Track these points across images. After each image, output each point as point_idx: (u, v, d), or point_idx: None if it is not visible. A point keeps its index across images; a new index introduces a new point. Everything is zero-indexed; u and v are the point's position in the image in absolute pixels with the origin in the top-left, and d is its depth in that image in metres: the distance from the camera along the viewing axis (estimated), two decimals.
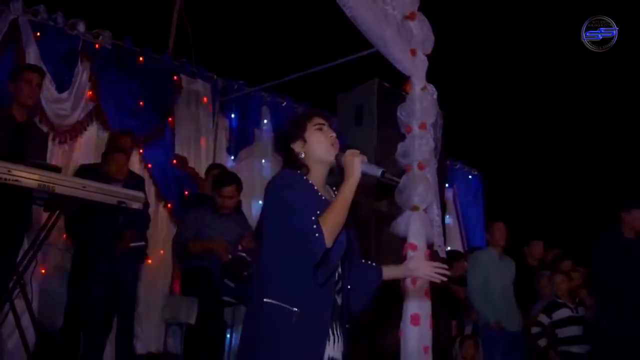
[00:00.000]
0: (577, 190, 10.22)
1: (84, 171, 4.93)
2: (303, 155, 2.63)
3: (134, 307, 5.10)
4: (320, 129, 2.65)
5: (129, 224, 4.91)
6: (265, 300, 2.43)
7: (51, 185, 3.82)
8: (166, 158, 6.28)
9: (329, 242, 2.37)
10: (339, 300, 2.58)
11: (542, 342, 6.37)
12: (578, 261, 7.28)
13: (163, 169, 6.23)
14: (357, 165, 2.52)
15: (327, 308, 2.50)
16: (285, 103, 7.36)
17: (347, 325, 2.62)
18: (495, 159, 10.08)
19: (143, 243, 5.15)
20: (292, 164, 2.65)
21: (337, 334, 2.56)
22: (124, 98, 5.99)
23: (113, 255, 4.80)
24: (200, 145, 6.67)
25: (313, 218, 2.40)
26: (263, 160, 7.05)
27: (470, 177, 10.01)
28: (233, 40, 8.15)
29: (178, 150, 6.44)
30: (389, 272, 2.81)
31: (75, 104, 5.65)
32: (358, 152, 2.60)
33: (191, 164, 6.49)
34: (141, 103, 6.07)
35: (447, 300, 6.34)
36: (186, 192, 6.30)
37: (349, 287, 2.63)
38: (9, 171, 3.66)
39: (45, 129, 5.27)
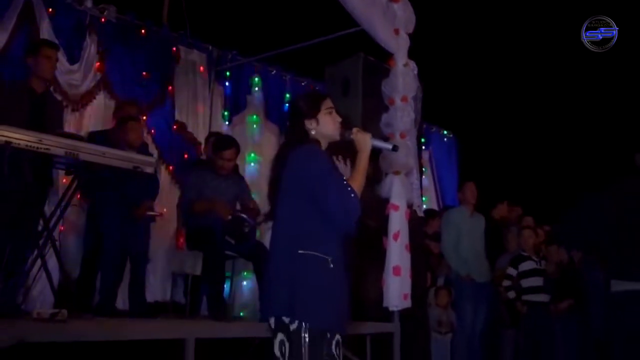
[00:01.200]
0: (542, 153, 10.54)
1: (93, 137, 5.29)
2: (314, 132, 3.03)
3: (146, 259, 5.53)
4: (330, 113, 3.06)
5: (144, 191, 5.38)
6: (300, 251, 2.83)
7: (76, 152, 4.28)
8: (167, 124, 6.72)
9: (359, 200, 2.88)
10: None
11: (512, 294, 6.88)
12: (539, 219, 7.82)
13: (164, 134, 6.67)
14: (368, 141, 3.03)
15: (344, 257, 2.97)
16: (274, 71, 7.78)
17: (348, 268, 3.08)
18: (468, 122, 10.37)
19: (159, 213, 5.67)
20: (303, 138, 3.03)
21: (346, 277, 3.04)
22: (128, 69, 6.40)
23: (128, 217, 5.26)
24: (197, 112, 7.10)
25: (345, 182, 2.89)
26: (254, 125, 7.48)
27: (445, 139, 10.44)
28: (227, 12, 8.40)
29: (177, 116, 6.86)
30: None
31: (85, 75, 6.07)
32: (361, 130, 3.08)
33: (189, 129, 6.94)
34: (144, 73, 6.49)
35: (422, 254, 6.66)
36: (185, 155, 6.77)
37: None
38: (40, 140, 4.12)
39: (59, 97, 5.67)
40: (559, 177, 9.11)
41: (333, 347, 2.86)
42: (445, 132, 10.45)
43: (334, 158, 3.26)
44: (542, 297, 6.79)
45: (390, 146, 3.26)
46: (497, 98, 10.32)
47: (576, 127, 10.09)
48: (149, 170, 4.76)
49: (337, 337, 2.89)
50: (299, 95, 3.41)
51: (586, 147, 9.87)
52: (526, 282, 6.88)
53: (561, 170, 9.71)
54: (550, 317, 6.67)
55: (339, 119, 3.09)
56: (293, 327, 2.79)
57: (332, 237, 2.91)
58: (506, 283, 6.98)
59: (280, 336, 2.83)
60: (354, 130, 3.07)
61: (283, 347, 2.82)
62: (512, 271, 6.94)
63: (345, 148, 3.17)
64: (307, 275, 2.82)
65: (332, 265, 2.85)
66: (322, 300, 2.81)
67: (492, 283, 7.14)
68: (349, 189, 2.86)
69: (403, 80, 5.58)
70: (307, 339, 2.76)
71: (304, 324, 2.78)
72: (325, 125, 3.04)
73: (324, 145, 3.07)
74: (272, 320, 2.88)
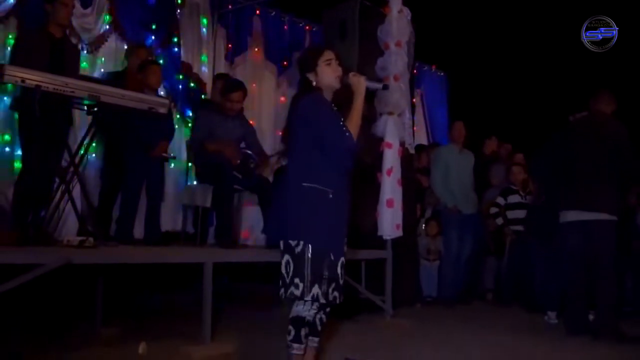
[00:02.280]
0: (532, 90, 10.69)
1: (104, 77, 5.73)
2: (315, 83, 3.46)
3: (162, 195, 5.92)
4: (329, 64, 3.45)
5: (160, 132, 5.76)
6: (304, 184, 3.30)
7: (98, 95, 4.66)
8: (174, 65, 7.02)
9: (354, 139, 3.33)
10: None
11: (499, 221, 7.41)
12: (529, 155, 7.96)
13: (172, 76, 6.99)
14: (362, 83, 3.44)
15: (346, 191, 3.44)
16: (274, 13, 8.04)
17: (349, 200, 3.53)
18: (460, 60, 10.49)
19: (173, 156, 6.08)
20: (308, 87, 3.47)
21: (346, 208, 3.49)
22: (137, 12, 6.67)
23: (145, 154, 5.67)
24: (202, 53, 7.39)
25: (341, 124, 3.34)
26: (255, 66, 7.81)
27: (436, 77, 10.69)
28: None
29: (184, 57, 7.16)
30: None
31: (97, 18, 6.36)
32: (358, 73, 3.49)
33: (195, 70, 7.25)
34: (152, 17, 6.77)
35: (413, 187, 7.07)
36: (191, 94, 7.14)
37: None
38: (66, 84, 4.50)
39: (74, 40, 5.99)
40: (548, 114, 9.31)
41: (338, 268, 3.37)
42: (437, 70, 10.69)
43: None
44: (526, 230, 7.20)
45: (381, 86, 3.76)
46: (488, 35, 10.37)
47: (566, 65, 10.23)
48: (163, 110, 5.11)
49: (342, 260, 3.39)
50: (302, 52, 3.82)
51: (575, 86, 9.98)
52: (511, 214, 7.40)
53: (550, 107, 9.86)
54: (530, 246, 7.06)
55: (339, 69, 3.47)
56: (298, 249, 3.28)
57: (332, 172, 3.36)
58: (493, 210, 7.47)
59: (286, 257, 3.33)
60: (350, 74, 3.47)
61: (288, 266, 3.32)
62: (501, 200, 7.43)
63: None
64: (310, 204, 3.29)
65: (331, 196, 3.32)
66: (322, 226, 3.30)
67: (479, 214, 7.59)
68: (345, 129, 3.31)
69: (397, 26, 5.89)
70: (309, 258, 3.27)
71: (307, 245, 3.27)
72: (324, 77, 3.45)
73: (326, 93, 3.48)
74: (281, 244, 3.37)
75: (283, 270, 3.33)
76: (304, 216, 3.29)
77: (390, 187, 5.77)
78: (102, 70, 6.37)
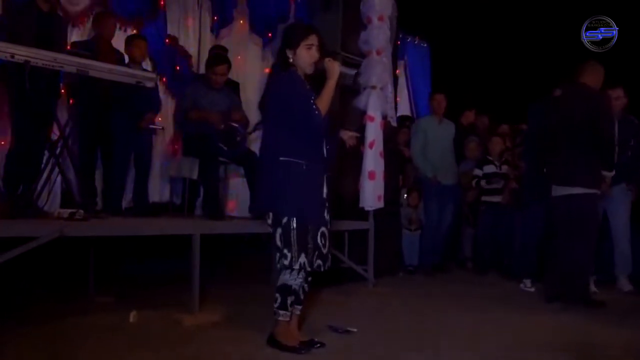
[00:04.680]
0: (515, 63, 10.59)
1: (75, 46, 5.70)
2: (291, 60, 3.66)
3: (149, 166, 6.11)
4: (309, 49, 3.63)
5: (147, 104, 5.88)
6: (280, 158, 3.51)
7: (86, 70, 4.74)
8: (160, 38, 7.06)
9: (323, 114, 3.54)
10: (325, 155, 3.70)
11: (484, 184, 7.49)
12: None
13: (158, 48, 7.01)
14: (337, 69, 3.67)
15: (320, 161, 3.63)
16: None
17: (328, 174, 3.74)
18: (443, 30, 10.39)
19: (161, 127, 6.21)
20: (283, 63, 3.66)
21: (324, 180, 3.69)
22: None
23: (134, 126, 5.80)
24: (188, 25, 7.41)
25: (312, 101, 3.53)
26: (240, 38, 7.83)
27: (419, 49, 10.75)
28: None
29: (169, 30, 7.19)
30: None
31: None
32: (333, 59, 3.72)
33: (181, 42, 7.29)
34: None
35: (395, 158, 7.27)
36: (177, 68, 7.19)
37: (328, 147, 3.71)
38: (55, 59, 4.58)
39: (60, 14, 6.02)
40: (533, 85, 9.39)
41: (318, 238, 3.58)
42: (420, 41, 10.73)
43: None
44: (498, 198, 7.44)
45: (354, 72, 3.95)
46: (474, 6, 10.22)
47: (550, 39, 10.15)
48: (150, 84, 5.22)
49: (322, 229, 3.61)
50: (290, 25, 4.00)
51: (559, 59, 9.72)
52: (487, 184, 7.53)
53: (535, 78, 9.87)
54: (504, 216, 7.30)
55: (316, 56, 3.65)
56: (284, 221, 3.53)
57: (304, 144, 3.57)
58: (474, 182, 7.62)
59: (279, 230, 3.55)
60: (326, 60, 3.68)
61: (282, 239, 3.55)
62: (478, 172, 7.58)
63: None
64: (289, 177, 3.52)
65: (305, 167, 3.54)
66: (302, 199, 3.53)
67: (459, 185, 7.72)
68: (314, 107, 3.53)
69: (380, 0, 6.00)
70: (294, 228, 3.51)
71: (292, 217, 3.51)
72: (300, 59, 3.66)
73: (302, 72, 3.68)
74: (269, 217, 3.58)
75: (278, 242, 3.57)
76: (284, 190, 3.51)
77: (373, 160, 5.93)
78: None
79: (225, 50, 6.87)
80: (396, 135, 7.51)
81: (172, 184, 6.57)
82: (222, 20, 7.72)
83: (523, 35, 10.38)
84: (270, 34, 8.03)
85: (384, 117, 6.13)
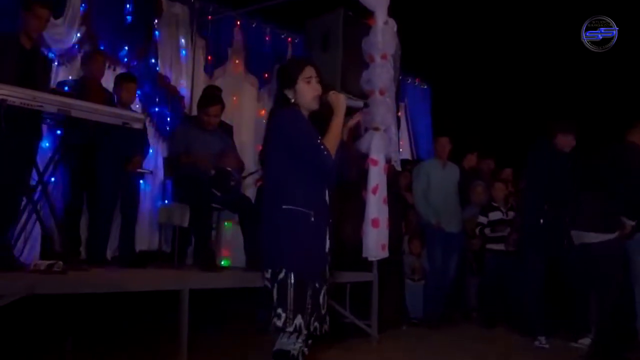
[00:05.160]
0: (514, 106, 10.61)
1: (60, 86, 5.49)
2: (293, 100, 3.27)
3: (136, 213, 5.75)
4: (309, 82, 3.26)
5: (134, 147, 5.57)
6: (284, 207, 3.10)
7: (68, 110, 4.39)
8: (151, 77, 6.78)
9: (332, 156, 3.11)
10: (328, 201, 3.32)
11: (488, 232, 7.21)
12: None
13: (148, 88, 6.74)
14: (342, 102, 3.26)
15: (325, 210, 3.25)
16: (255, 24, 7.82)
17: (330, 221, 3.33)
18: (444, 72, 10.33)
19: (150, 171, 5.90)
20: (285, 103, 3.28)
21: (327, 231, 3.28)
22: (112, 22, 6.41)
23: (120, 170, 5.47)
24: (180, 65, 7.16)
25: (319, 141, 3.13)
26: (235, 78, 7.59)
27: (420, 90, 10.54)
28: None
29: (161, 69, 6.91)
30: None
31: (70, 29, 6.06)
32: (337, 92, 3.31)
33: (172, 82, 7.01)
34: (128, 26, 6.53)
35: (398, 203, 6.91)
36: (168, 108, 6.91)
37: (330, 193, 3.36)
38: (34, 98, 4.25)
39: (45, 52, 5.72)
40: (534, 129, 9.30)
41: (321, 297, 3.17)
42: (420, 83, 10.55)
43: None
44: (504, 246, 7.07)
45: (362, 104, 3.59)
46: (473, 48, 10.32)
47: (551, 82, 10.24)
48: (137, 126, 4.88)
49: (325, 288, 3.20)
50: (281, 65, 3.60)
51: (561, 103, 10.02)
52: (492, 231, 7.19)
53: (536, 122, 9.82)
54: (511, 265, 6.91)
55: (318, 88, 3.27)
56: (281, 276, 3.07)
57: (311, 191, 3.17)
58: (478, 229, 7.28)
59: (276, 287, 3.10)
60: (330, 92, 3.28)
61: (277, 295, 3.09)
62: (483, 219, 7.24)
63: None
64: (291, 228, 3.10)
65: (313, 219, 3.12)
66: (304, 252, 3.11)
67: (464, 233, 7.39)
68: (322, 147, 3.10)
69: (383, 38, 5.71)
70: (292, 286, 3.06)
71: (289, 273, 3.07)
72: (302, 95, 3.26)
73: (305, 110, 3.28)
74: (268, 272, 3.14)
75: (274, 300, 3.12)
76: (285, 242, 3.10)
77: (376, 206, 5.58)
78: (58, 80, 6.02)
79: (219, 90, 6.59)
80: (399, 179, 7.19)
81: (161, 231, 6.25)
82: (216, 59, 7.50)
83: (524, 75, 10.37)
84: (266, 75, 7.87)
85: (388, 161, 5.80)
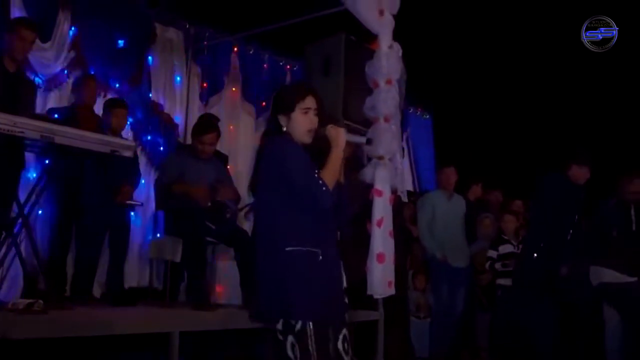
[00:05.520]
0: (520, 135, 10.48)
1: (50, 113, 5.25)
2: (285, 128, 2.94)
3: (126, 247, 5.48)
4: (306, 113, 2.94)
5: (124, 176, 5.30)
6: (287, 249, 2.77)
7: (51, 136, 4.08)
8: (143, 104, 6.53)
9: (331, 193, 2.81)
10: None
11: (499, 267, 6.88)
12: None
13: (140, 115, 6.49)
14: (342, 137, 2.94)
15: (334, 244, 2.95)
16: (252, 50, 7.59)
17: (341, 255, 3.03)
18: (446, 102, 10.25)
19: (140, 202, 5.62)
20: (276, 131, 2.97)
21: (342, 268, 3.00)
22: (104, 47, 6.17)
23: (109, 202, 5.18)
24: (174, 92, 6.90)
25: (316, 176, 2.82)
26: (231, 106, 7.34)
27: (422, 120, 10.33)
28: None
29: (154, 96, 6.66)
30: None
31: (58, 53, 5.82)
32: (335, 126, 2.98)
33: (166, 109, 6.75)
34: (120, 51, 6.29)
35: (403, 238, 6.64)
36: (161, 137, 6.65)
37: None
38: (14, 124, 3.92)
39: (31, 76, 5.44)
40: (538, 158, 9.10)
41: (340, 342, 2.85)
42: (422, 113, 10.36)
43: None
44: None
45: (364, 140, 3.31)
46: (475, 77, 10.22)
47: (554, 111, 10.19)
48: (127, 154, 4.59)
49: (344, 331, 2.89)
50: (282, 87, 3.29)
51: (564, 133, 9.88)
52: (502, 266, 6.86)
53: (540, 151, 9.77)
54: (523, 301, 6.48)
55: (314, 121, 2.97)
56: (297, 327, 2.75)
57: (316, 228, 2.86)
58: (488, 264, 6.98)
59: (290, 339, 2.78)
60: (328, 127, 2.97)
61: (294, 349, 2.77)
62: (492, 253, 6.94)
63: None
64: (299, 273, 2.77)
65: (321, 258, 2.81)
66: (318, 297, 2.78)
67: (470, 268, 7.10)
68: (320, 182, 2.80)
69: (387, 63, 5.40)
70: (313, 338, 2.73)
71: (307, 322, 2.74)
72: (296, 125, 2.94)
73: (299, 141, 2.98)
74: (280, 323, 2.82)
75: (290, 354, 2.79)
76: (294, 288, 2.76)
77: (381, 240, 5.20)
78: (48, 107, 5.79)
79: (216, 118, 6.30)
80: (403, 210, 6.94)
81: (152, 266, 5.89)
82: (211, 87, 7.26)
83: (528, 102, 10.32)
84: (264, 103, 7.60)
85: (393, 192, 5.45)
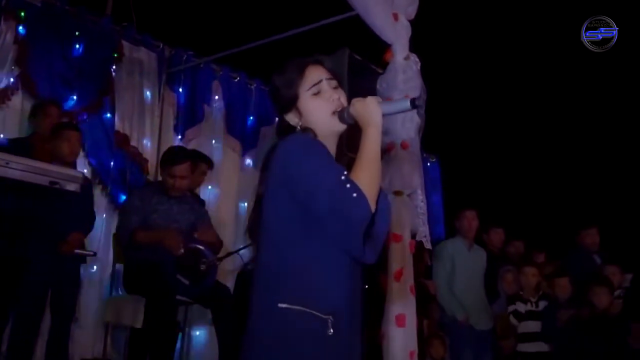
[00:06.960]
0: (535, 180, 10.12)
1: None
2: (299, 127, 2.11)
3: (73, 309, 4.58)
4: (317, 93, 2.10)
5: (73, 221, 4.40)
6: (280, 305, 1.87)
7: None
8: (105, 135, 5.65)
9: (372, 205, 1.84)
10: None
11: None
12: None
13: (101, 148, 5.61)
14: (374, 109, 2.02)
15: (359, 306, 2.03)
16: (238, 78, 6.78)
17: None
18: (453, 145, 9.80)
19: (93, 252, 4.71)
20: (288, 133, 2.11)
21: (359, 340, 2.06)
22: (56, 65, 5.30)
23: (52, 252, 4.27)
24: (144, 122, 6.05)
25: (343, 178, 1.86)
26: (213, 141, 6.47)
27: (428, 164, 9.70)
28: (182, 4, 7.39)
29: (119, 126, 5.81)
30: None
31: None
32: (360, 98, 2.07)
33: (133, 142, 5.89)
34: (76, 71, 5.42)
35: (420, 296, 5.81)
36: (126, 173, 5.74)
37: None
38: None
39: None
40: (554, 205, 8.86)
41: None
42: (428, 155, 9.68)
43: None
44: (538, 347, 5.89)
45: (407, 103, 2.11)
46: (483, 119, 9.84)
47: (561, 152, 9.86)
48: (71, 187, 3.73)
49: None
50: (273, 75, 2.28)
51: (574, 174, 9.59)
52: (521, 327, 6.02)
53: (556, 198, 9.56)
54: None
55: (334, 96, 2.11)
56: None
57: (333, 275, 1.93)
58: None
59: None
60: (353, 102, 2.07)
61: None
62: (516, 307, 6.08)
63: None
64: (290, 345, 1.89)
65: (332, 331, 1.88)
66: None
67: (494, 331, 6.27)
68: (349, 185, 1.87)
69: (404, 76, 4.55)
70: None
71: None
72: (311, 117, 2.11)
73: (324, 139, 2.09)
74: None
75: None
76: None
77: (401, 298, 4.27)
78: (1, 135, 4.96)
79: (193, 151, 5.41)
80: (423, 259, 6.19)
81: (108, 334, 5.01)
82: (190, 117, 6.37)
83: (539, 142, 10.05)
84: (251, 138, 6.81)
85: (413, 236, 4.50)
